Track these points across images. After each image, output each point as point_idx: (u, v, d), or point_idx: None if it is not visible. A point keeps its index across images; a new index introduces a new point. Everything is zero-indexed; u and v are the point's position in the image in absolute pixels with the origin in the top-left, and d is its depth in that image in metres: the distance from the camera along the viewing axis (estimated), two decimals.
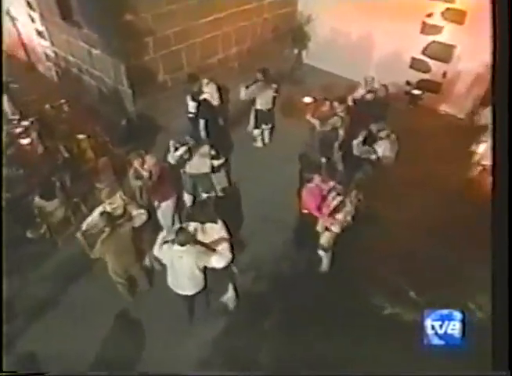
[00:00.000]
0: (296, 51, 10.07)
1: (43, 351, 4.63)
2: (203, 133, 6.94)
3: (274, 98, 7.23)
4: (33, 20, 9.15)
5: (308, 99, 7.56)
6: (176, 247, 4.17)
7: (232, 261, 4.48)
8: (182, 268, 4.32)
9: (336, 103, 6.54)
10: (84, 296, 5.24)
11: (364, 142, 6.60)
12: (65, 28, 8.23)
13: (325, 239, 5.23)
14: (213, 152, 5.84)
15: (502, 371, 2.38)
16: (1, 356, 2.91)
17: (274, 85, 7.10)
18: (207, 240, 4.43)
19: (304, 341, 4.69)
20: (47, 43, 9.23)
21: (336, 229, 5.05)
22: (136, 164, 5.34)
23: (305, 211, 5.29)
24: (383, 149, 6.54)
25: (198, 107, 6.78)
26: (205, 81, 6.86)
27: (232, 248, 4.45)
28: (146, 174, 5.36)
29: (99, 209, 4.91)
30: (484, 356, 2.48)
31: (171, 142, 5.72)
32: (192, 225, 4.53)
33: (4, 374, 2.91)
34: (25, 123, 6.39)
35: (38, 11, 8.76)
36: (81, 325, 4.86)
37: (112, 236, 4.59)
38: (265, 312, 5.08)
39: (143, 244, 5.11)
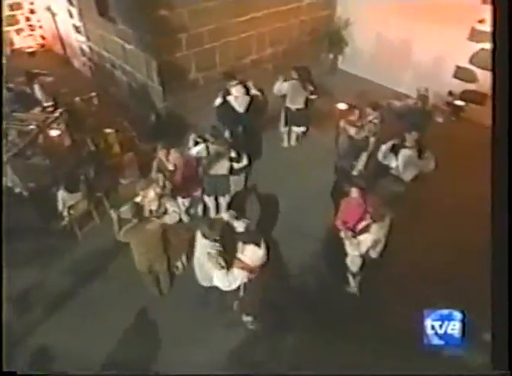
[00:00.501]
0: (331, 55, 9.79)
1: (55, 346, 4.52)
2: (227, 133, 6.67)
3: (307, 99, 6.93)
4: (71, 16, 9.26)
5: (342, 106, 7.23)
6: (199, 234, 4.08)
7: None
8: (198, 257, 4.24)
9: (368, 109, 6.17)
10: (100, 293, 5.10)
11: (392, 149, 6.15)
12: (101, 23, 8.26)
13: (350, 260, 4.81)
14: (233, 154, 5.54)
15: (502, 371, 2.36)
16: (1, 356, 2.81)
17: (310, 87, 6.80)
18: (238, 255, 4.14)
19: (325, 357, 4.38)
20: (83, 38, 9.31)
21: (350, 249, 4.59)
22: (161, 155, 5.31)
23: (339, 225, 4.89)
24: (403, 157, 6.03)
25: (221, 105, 6.52)
26: (233, 82, 6.55)
27: (245, 284, 4.09)
28: (170, 166, 5.33)
29: (137, 199, 4.79)
30: (484, 356, 2.47)
31: (192, 136, 5.61)
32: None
33: None
34: (55, 114, 6.32)
35: (77, 6, 8.84)
36: (95, 323, 4.73)
37: (138, 228, 4.47)
38: (286, 324, 4.76)
39: (176, 244, 4.93)
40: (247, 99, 6.58)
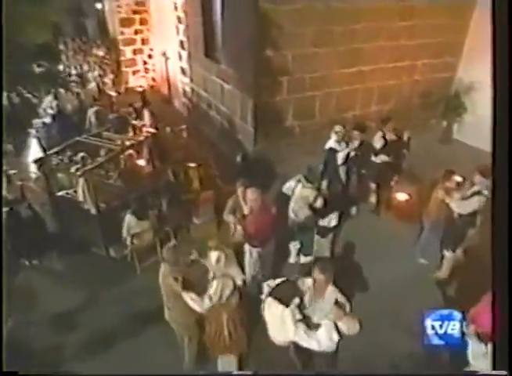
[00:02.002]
0: (445, 123, 8.78)
1: None
2: (324, 183, 5.97)
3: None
4: (180, 58, 9.74)
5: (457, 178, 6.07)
6: None
7: None
8: None
9: (478, 176, 4.83)
10: (146, 336, 4.45)
11: None
12: (205, 64, 8.42)
13: None
14: (319, 204, 4.87)
15: (502, 371, 2.36)
16: (1, 356, 2.81)
17: (377, 145, 6.15)
18: None
19: None
20: (187, 79, 9.65)
21: (472, 356, 3.20)
22: (239, 192, 4.80)
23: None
24: None
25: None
26: (355, 132, 5.99)
27: None
28: (246, 209, 4.72)
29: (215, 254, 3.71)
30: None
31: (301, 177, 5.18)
32: None
33: None
34: (139, 138, 6.20)
35: (188, 49, 9.18)
36: (135, 366, 4.08)
37: (168, 276, 3.73)
38: None
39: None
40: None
